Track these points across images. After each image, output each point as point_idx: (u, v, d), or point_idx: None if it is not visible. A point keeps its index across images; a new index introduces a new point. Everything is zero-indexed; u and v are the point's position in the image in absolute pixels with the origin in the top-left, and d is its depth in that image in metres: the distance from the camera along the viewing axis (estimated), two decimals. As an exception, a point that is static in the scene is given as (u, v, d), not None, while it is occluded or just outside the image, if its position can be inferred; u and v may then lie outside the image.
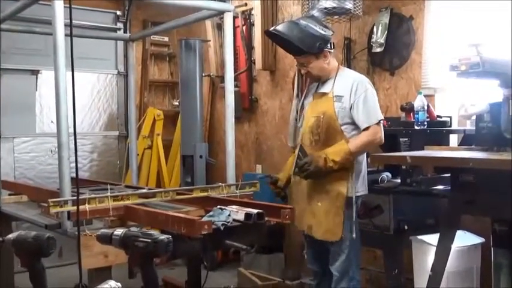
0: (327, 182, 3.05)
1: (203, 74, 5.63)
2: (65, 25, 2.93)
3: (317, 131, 3.09)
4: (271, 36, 3.24)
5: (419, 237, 3.46)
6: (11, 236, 1.97)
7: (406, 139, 3.46)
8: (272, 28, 3.21)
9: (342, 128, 3.05)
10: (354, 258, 3.09)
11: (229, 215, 2.55)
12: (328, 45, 3.11)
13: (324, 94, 3.15)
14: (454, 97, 3.89)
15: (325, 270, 3.18)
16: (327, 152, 2.99)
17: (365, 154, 3.18)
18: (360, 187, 3.12)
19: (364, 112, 3.01)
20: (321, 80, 3.21)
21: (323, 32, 3.08)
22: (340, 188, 3.03)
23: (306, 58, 3.11)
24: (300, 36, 3.03)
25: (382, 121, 3.07)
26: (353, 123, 3.06)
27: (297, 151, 3.19)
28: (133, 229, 1.91)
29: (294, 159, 3.20)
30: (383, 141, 3.08)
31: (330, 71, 3.15)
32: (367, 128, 3.01)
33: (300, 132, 3.25)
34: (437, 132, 3.56)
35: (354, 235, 3.04)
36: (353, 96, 3.03)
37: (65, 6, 2.92)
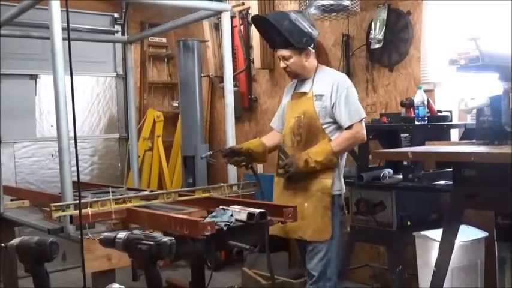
0: (312, 183, 2.98)
1: (202, 75, 5.62)
2: (63, 29, 2.92)
3: (298, 131, 3.03)
4: (259, 22, 3.14)
5: (423, 232, 3.46)
6: (14, 241, 1.97)
7: (407, 135, 3.46)
8: (264, 14, 3.12)
9: (324, 127, 2.99)
10: (332, 258, 2.99)
11: (231, 215, 2.54)
12: (312, 44, 3.06)
13: (304, 94, 3.09)
14: (454, 91, 3.89)
15: None
16: (309, 153, 2.93)
17: (345, 153, 3.12)
18: (342, 184, 3.06)
19: (346, 110, 2.95)
20: (299, 79, 3.15)
21: (310, 30, 3.02)
22: (325, 187, 2.96)
23: (289, 52, 3.03)
24: (289, 28, 2.96)
25: (364, 119, 3.02)
26: (334, 122, 3.00)
27: (278, 152, 3.12)
28: (136, 232, 1.91)
29: (276, 161, 3.14)
30: (365, 139, 3.04)
31: (309, 70, 3.09)
32: (349, 127, 2.95)
33: (282, 133, 3.20)
34: (438, 127, 3.56)
35: (336, 237, 2.97)
36: (334, 94, 2.97)
37: (62, 10, 2.91)
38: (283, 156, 3.05)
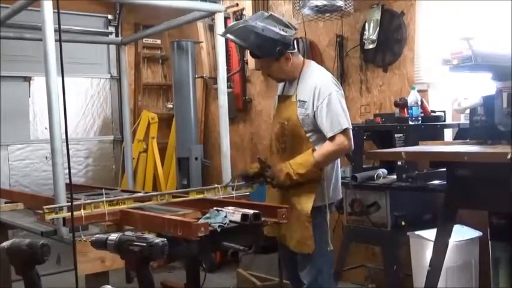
0: (295, 194, 2.86)
1: (196, 76, 5.61)
2: (55, 30, 2.91)
3: (282, 138, 2.91)
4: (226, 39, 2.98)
5: (417, 232, 3.47)
6: (5, 244, 1.95)
7: (401, 135, 3.47)
8: (223, 33, 2.90)
9: (308, 135, 2.84)
10: (324, 267, 2.90)
11: (225, 217, 2.53)
12: (290, 46, 2.84)
13: (288, 97, 2.93)
14: (448, 91, 3.90)
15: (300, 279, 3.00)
16: (292, 164, 2.79)
17: (338, 159, 2.98)
18: (331, 193, 2.91)
19: (328, 120, 2.76)
20: (287, 80, 2.97)
21: (283, 33, 2.77)
22: (307, 200, 2.82)
23: (266, 62, 2.89)
24: (257, 42, 2.75)
25: (348, 129, 2.79)
26: (319, 131, 2.82)
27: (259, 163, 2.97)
28: (128, 233, 1.90)
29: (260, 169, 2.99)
30: (352, 148, 2.86)
31: (293, 72, 2.90)
32: (332, 137, 2.77)
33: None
34: (432, 127, 3.57)
35: (324, 245, 2.85)
36: (316, 101, 2.78)
37: (54, 12, 2.90)
38: (265, 167, 2.91)
